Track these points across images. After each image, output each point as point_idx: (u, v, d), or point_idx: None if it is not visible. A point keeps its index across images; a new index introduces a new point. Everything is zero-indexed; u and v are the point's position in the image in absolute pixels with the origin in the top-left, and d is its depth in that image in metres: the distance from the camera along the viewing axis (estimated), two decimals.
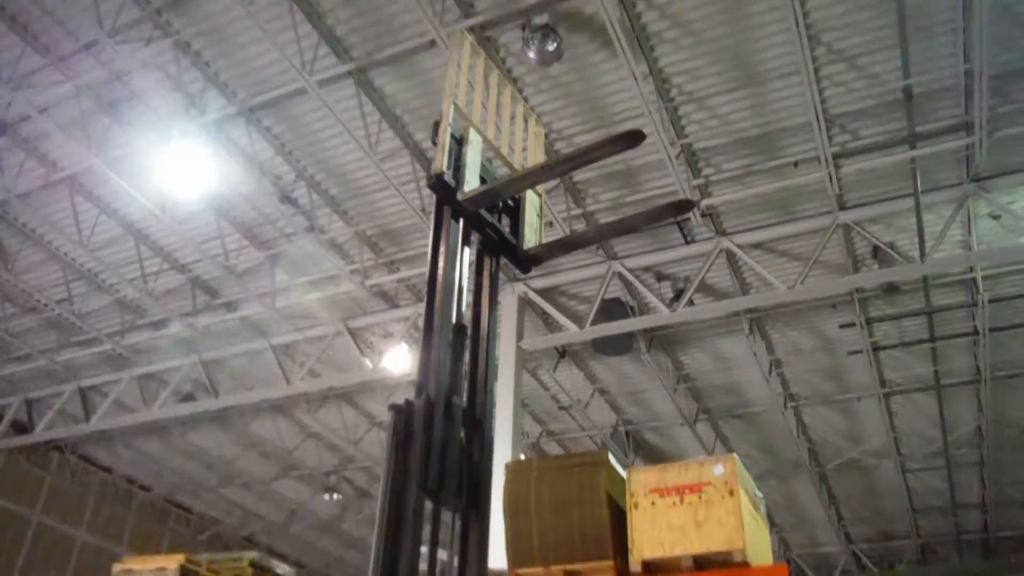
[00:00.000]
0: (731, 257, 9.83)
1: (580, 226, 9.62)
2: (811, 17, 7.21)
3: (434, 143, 3.81)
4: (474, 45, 4.42)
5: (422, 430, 3.19)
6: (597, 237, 4.80)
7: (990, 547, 16.92)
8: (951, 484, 14.86)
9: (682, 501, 5.33)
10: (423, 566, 3.05)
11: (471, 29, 7.24)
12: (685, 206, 3.83)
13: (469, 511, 3.32)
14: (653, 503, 5.39)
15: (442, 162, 3.67)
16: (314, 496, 17.21)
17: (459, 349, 3.65)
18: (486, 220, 3.89)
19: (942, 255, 9.19)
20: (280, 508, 18.09)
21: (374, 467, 15.55)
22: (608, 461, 5.69)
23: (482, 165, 3.90)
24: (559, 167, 3.83)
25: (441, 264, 3.64)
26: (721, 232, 9.66)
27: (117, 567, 10.45)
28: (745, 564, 5.06)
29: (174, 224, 10.00)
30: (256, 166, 9.03)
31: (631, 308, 10.60)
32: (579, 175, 9.07)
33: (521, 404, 10.12)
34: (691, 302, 9.96)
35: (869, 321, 10.84)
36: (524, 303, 10.62)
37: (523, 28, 7.34)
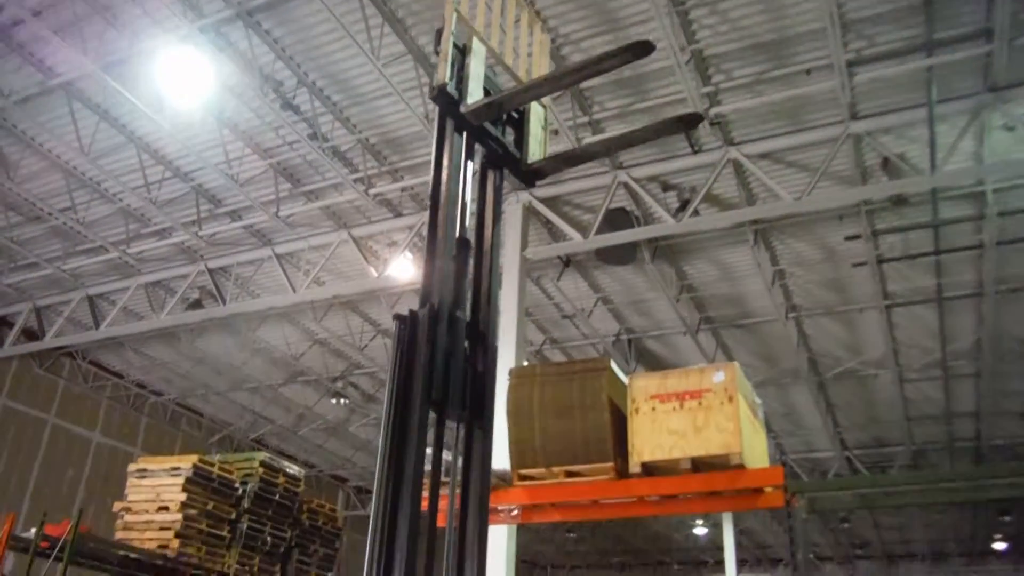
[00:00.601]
0: (738, 167, 9.73)
1: (586, 135, 9.50)
2: None
3: (437, 53, 3.72)
4: None
5: (426, 340, 3.23)
6: (602, 151, 4.71)
7: (981, 454, 17.36)
8: (947, 394, 15.13)
9: (682, 407, 5.47)
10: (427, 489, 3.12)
11: None
12: (694, 120, 3.74)
13: (473, 420, 3.39)
14: (654, 408, 5.53)
15: (444, 73, 3.58)
16: (321, 400, 17.61)
17: (463, 262, 3.65)
18: (489, 133, 3.83)
19: (953, 167, 9.07)
20: (288, 412, 18.54)
21: (380, 372, 15.86)
22: (610, 367, 5.81)
23: (486, 75, 3.82)
24: (565, 78, 3.73)
25: (444, 178, 3.61)
26: (729, 142, 9.53)
27: (133, 467, 10.83)
28: (741, 467, 5.23)
29: (175, 132, 9.88)
30: (256, 71, 8.85)
31: (636, 218, 10.57)
32: (586, 82, 8.89)
33: (525, 313, 10.22)
34: (696, 212, 9.92)
35: (875, 233, 10.80)
36: (529, 212, 10.59)
37: None
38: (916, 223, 10.55)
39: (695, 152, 9.72)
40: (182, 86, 8.86)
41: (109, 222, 12.06)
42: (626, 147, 4.60)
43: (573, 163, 4.65)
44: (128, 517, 10.26)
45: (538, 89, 3.71)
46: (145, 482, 10.40)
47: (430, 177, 3.67)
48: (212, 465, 10.71)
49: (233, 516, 10.80)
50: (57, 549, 8.69)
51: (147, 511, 10.14)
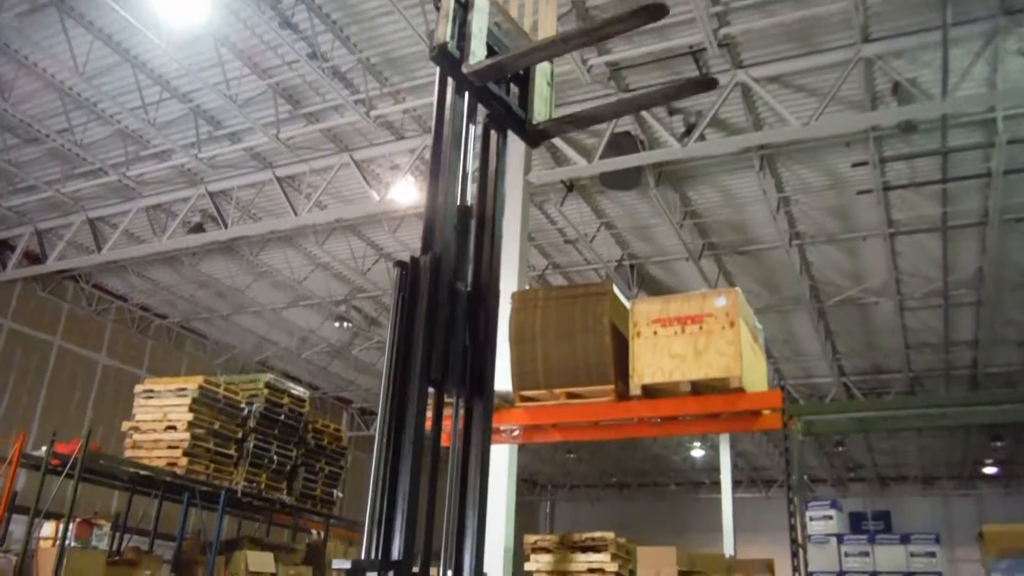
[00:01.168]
0: (746, 91, 9.55)
1: (591, 55, 9.29)
2: None
3: (437, 8, 3.53)
4: None
5: (427, 292, 3.20)
6: (611, 114, 4.61)
7: (977, 382, 17.58)
8: (946, 322, 15.22)
9: (683, 331, 5.52)
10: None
11: None
12: (709, 84, 3.61)
13: (475, 358, 3.38)
14: (655, 332, 5.58)
15: (445, 31, 3.39)
16: (325, 324, 17.75)
17: (464, 230, 3.54)
18: (493, 92, 3.69)
19: (965, 93, 8.89)
20: (292, 335, 18.72)
21: (382, 296, 15.94)
22: (612, 291, 5.84)
23: (489, 31, 3.64)
24: (574, 40, 3.54)
25: (445, 141, 3.48)
26: (737, 64, 9.32)
27: (139, 387, 11.01)
28: (740, 390, 5.31)
29: (172, 51, 9.66)
30: None
31: (640, 142, 10.44)
32: (592, 2, 8.64)
33: (527, 237, 10.19)
34: (702, 137, 9.79)
35: (882, 160, 10.68)
36: None
37: None
38: (924, 150, 10.41)
39: (703, 75, 9.53)
40: (178, 2, 8.63)
41: (107, 144, 11.92)
42: (637, 110, 4.46)
43: (581, 125, 4.52)
44: (136, 436, 10.48)
45: (545, 51, 3.55)
46: (152, 402, 10.58)
47: (431, 141, 3.55)
48: (218, 386, 10.88)
49: (239, 435, 11.03)
50: (68, 466, 8.90)
51: (155, 430, 10.35)
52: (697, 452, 23.84)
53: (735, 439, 20.40)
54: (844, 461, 24.51)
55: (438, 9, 3.50)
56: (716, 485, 20.88)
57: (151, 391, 10.73)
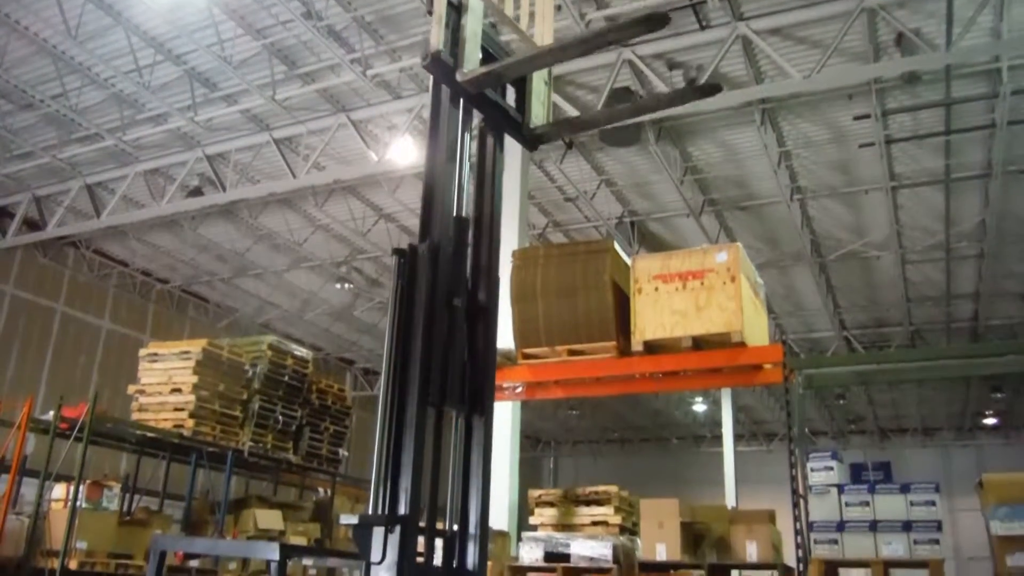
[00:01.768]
0: (747, 44, 9.43)
1: (589, 9, 9.16)
2: None
3: (429, 13, 3.38)
4: None
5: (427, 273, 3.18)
6: (609, 119, 4.52)
7: (978, 334, 17.64)
8: (948, 275, 15.22)
9: (684, 287, 5.52)
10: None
11: None
12: (711, 90, 3.53)
13: (475, 344, 3.38)
14: (656, 288, 5.59)
15: (438, 39, 3.27)
16: (326, 285, 17.78)
17: (461, 243, 3.47)
18: (489, 98, 3.61)
19: (969, 43, 8.78)
20: (294, 297, 18.76)
21: (383, 257, 15.94)
22: (613, 248, 5.83)
23: (484, 32, 3.53)
24: (572, 49, 3.42)
25: (440, 152, 3.40)
26: (738, 17, 9.18)
27: (143, 351, 11.05)
28: (742, 344, 5.34)
29: (164, 12, 9.53)
30: None
31: (641, 97, 10.33)
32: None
33: (527, 196, 10.14)
34: None
35: (885, 113, 10.58)
36: None
37: None
38: (927, 102, 10.32)
39: (703, 28, 9.39)
40: None
41: (102, 109, 11.81)
42: (637, 115, 4.35)
43: (579, 130, 4.45)
44: (142, 399, 10.55)
45: (542, 60, 3.44)
46: (157, 366, 10.63)
47: (425, 151, 3.46)
48: (221, 348, 10.93)
49: (244, 397, 11.11)
50: (76, 430, 8.98)
51: (160, 393, 10.42)
52: (699, 407, 24.02)
53: (736, 393, 20.54)
54: (845, 414, 24.70)
55: (430, 14, 3.38)
56: (717, 439, 21.08)
57: (155, 355, 10.78)
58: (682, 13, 9.18)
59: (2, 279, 15.33)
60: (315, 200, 14.03)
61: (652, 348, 5.59)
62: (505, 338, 5.30)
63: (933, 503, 5.88)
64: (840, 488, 6.11)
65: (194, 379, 10.29)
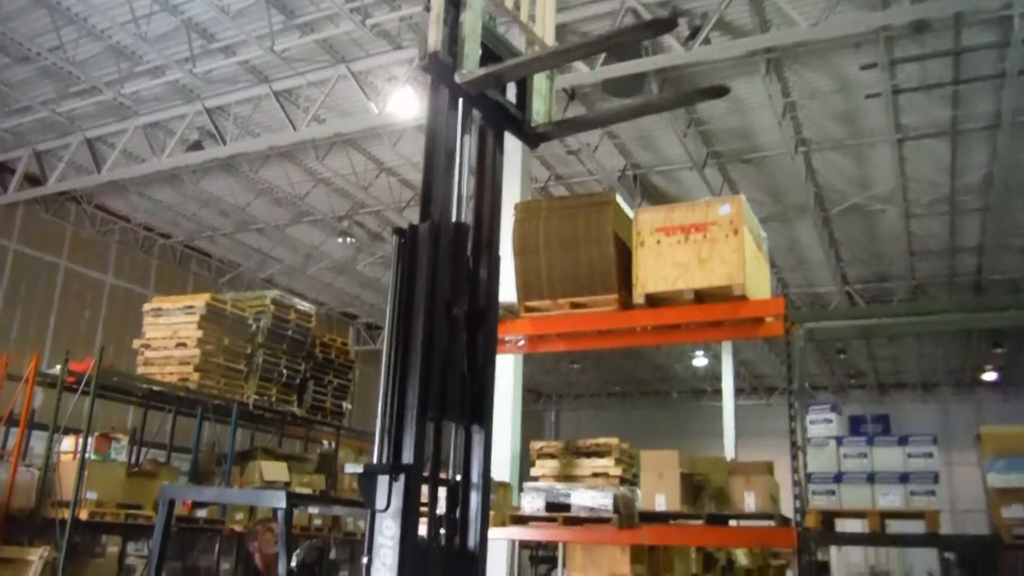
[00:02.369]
0: None
1: None
2: None
3: (427, 10, 3.27)
4: None
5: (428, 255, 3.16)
6: (614, 118, 4.41)
7: (981, 288, 17.62)
8: (952, 229, 15.15)
9: (687, 239, 5.50)
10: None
11: None
12: (718, 92, 3.44)
13: (476, 333, 3.37)
14: (659, 241, 5.57)
15: (437, 38, 3.17)
16: (328, 240, 17.75)
17: (460, 250, 3.42)
18: (489, 97, 3.49)
19: None
20: (296, 252, 18.75)
21: (385, 211, 15.88)
22: (615, 200, 5.80)
23: (484, 27, 3.40)
24: (576, 52, 3.30)
25: (439, 155, 3.30)
26: None
27: (148, 306, 11.11)
28: (743, 297, 5.34)
29: None
30: None
31: (644, 47, 10.17)
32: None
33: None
34: (707, 40, 9.52)
35: (892, 62, 10.41)
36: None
37: None
38: (936, 51, 10.15)
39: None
40: None
41: (100, 61, 11.66)
42: (643, 114, 4.23)
43: (582, 129, 4.36)
44: (148, 353, 10.64)
45: (545, 62, 3.35)
46: (161, 320, 10.70)
47: (423, 154, 3.37)
48: (225, 303, 10.98)
49: (248, 351, 11.20)
50: (83, 383, 9.07)
51: (165, 347, 10.50)
52: (699, 360, 24.15)
53: (737, 347, 20.62)
54: (845, 368, 24.82)
55: (427, 10, 3.27)
56: (718, 393, 21.23)
57: (159, 309, 10.84)
58: None
59: (5, 235, 15.32)
60: (316, 154, 13.93)
61: (654, 301, 5.59)
62: (508, 291, 5.30)
63: (930, 455, 5.93)
64: (838, 440, 6.16)
65: (199, 333, 10.36)
